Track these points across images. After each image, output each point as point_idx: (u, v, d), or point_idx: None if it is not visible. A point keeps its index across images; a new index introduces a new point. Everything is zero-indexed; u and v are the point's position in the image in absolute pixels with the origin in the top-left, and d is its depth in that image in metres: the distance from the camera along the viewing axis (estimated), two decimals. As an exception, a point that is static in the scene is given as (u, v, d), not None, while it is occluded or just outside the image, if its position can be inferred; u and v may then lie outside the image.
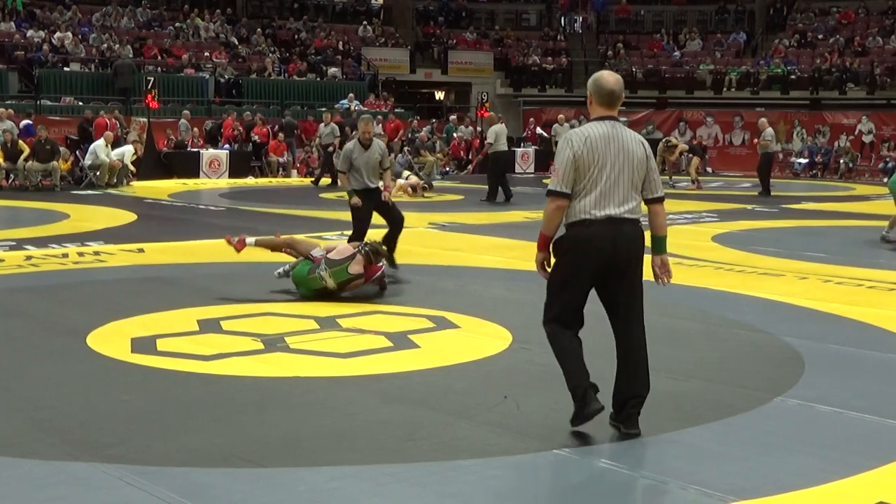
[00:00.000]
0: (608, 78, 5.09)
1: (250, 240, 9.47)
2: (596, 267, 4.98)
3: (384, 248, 8.86)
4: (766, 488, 4.35)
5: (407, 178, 20.64)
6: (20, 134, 21.72)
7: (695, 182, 23.63)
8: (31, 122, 22.77)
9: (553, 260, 5.09)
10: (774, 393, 5.89)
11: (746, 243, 13.04)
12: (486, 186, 19.20)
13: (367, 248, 8.66)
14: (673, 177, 24.63)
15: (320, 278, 8.60)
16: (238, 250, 9.51)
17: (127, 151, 21.43)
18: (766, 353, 7.03)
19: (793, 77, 34.09)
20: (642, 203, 5.11)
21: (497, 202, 18.36)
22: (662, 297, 9.11)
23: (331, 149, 22.48)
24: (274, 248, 9.40)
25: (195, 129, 25.22)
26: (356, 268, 8.58)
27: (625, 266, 5.05)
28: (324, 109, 27.15)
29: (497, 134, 18.76)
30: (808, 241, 13.38)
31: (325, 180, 22.90)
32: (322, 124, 23.92)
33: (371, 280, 8.80)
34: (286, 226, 14.43)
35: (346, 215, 16.01)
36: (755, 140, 22.33)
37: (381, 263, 8.87)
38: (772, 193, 21.10)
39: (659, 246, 5.23)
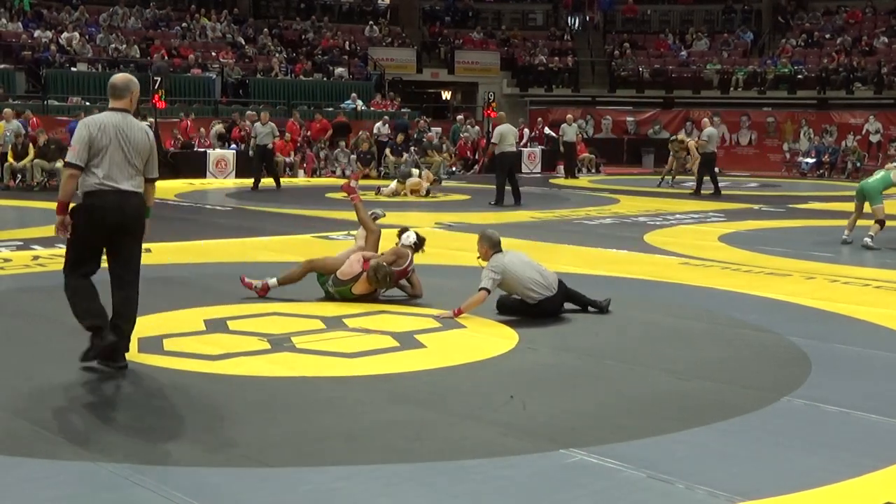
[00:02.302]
0: (115, 76, 6.42)
1: (272, 281, 8.85)
2: (108, 228, 6.14)
3: (391, 270, 8.69)
4: (772, 488, 4.34)
5: (420, 176, 20.53)
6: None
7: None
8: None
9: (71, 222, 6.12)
10: (781, 393, 5.88)
11: (753, 243, 13.02)
12: (491, 186, 19.09)
13: (372, 271, 8.53)
14: (676, 177, 24.58)
15: (327, 291, 8.70)
16: (261, 295, 8.79)
17: None
18: (773, 353, 7.02)
19: (800, 77, 34.05)
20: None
21: (506, 204, 18.15)
22: (669, 297, 9.13)
23: (270, 146, 21.35)
24: (297, 279, 8.90)
25: (202, 129, 25.25)
26: (360, 288, 8.61)
27: (132, 228, 6.22)
28: (262, 108, 25.65)
29: (503, 134, 18.47)
30: (814, 241, 13.35)
31: (267, 181, 21.44)
32: (258, 123, 21.58)
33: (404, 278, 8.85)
34: (292, 226, 14.46)
35: (352, 215, 16.02)
36: (696, 140, 22.25)
37: (408, 266, 8.79)
38: (721, 193, 21.10)
39: (146, 213, 6.40)
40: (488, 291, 7.93)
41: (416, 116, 30.11)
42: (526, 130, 31.15)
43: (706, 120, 22.62)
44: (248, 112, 25.63)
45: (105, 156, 6.08)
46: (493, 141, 19.10)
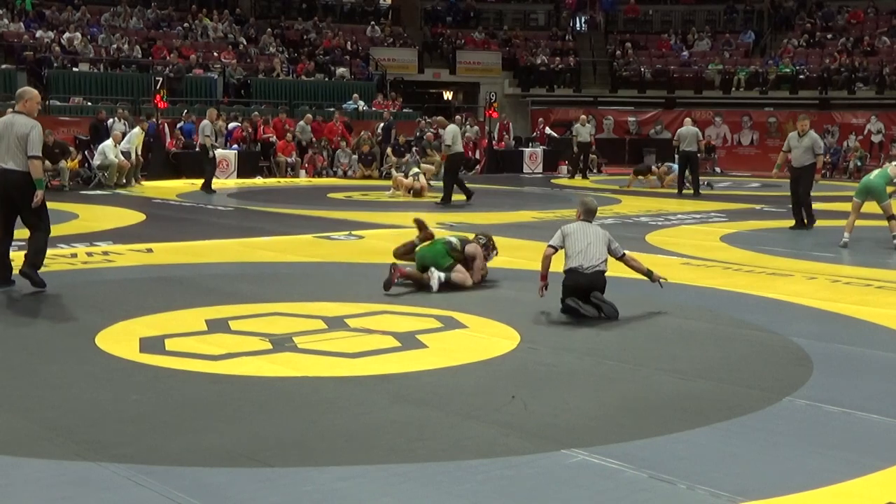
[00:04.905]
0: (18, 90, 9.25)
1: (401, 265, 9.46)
2: (4, 199, 8.84)
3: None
4: (774, 489, 4.34)
5: (416, 176, 20.46)
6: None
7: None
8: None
9: None
10: (783, 393, 5.88)
11: (755, 243, 13.02)
12: (492, 186, 19.09)
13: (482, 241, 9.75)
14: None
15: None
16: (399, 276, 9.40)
17: (107, 147, 20.93)
18: (775, 354, 7.02)
19: (801, 77, 34.03)
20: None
21: (441, 204, 18.10)
22: (671, 297, 9.12)
23: (208, 145, 20.42)
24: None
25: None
26: (471, 248, 9.48)
27: (17, 192, 8.80)
28: (219, 108, 25.20)
29: (454, 136, 18.64)
30: (816, 242, 13.34)
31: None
32: (206, 121, 20.84)
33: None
34: (293, 226, 14.46)
35: (353, 215, 16.10)
36: (674, 141, 22.19)
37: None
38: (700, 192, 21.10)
39: (38, 185, 8.81)
40: (554, 249, 8.42)
41: (418, 116, 30.12)
42: (511, 125, 31.31)
43: (688, 119, 22.55)
44: (254, 114, 25.76)
45: (2, 144, 8.73)
46: (446, 143, 19.02)
